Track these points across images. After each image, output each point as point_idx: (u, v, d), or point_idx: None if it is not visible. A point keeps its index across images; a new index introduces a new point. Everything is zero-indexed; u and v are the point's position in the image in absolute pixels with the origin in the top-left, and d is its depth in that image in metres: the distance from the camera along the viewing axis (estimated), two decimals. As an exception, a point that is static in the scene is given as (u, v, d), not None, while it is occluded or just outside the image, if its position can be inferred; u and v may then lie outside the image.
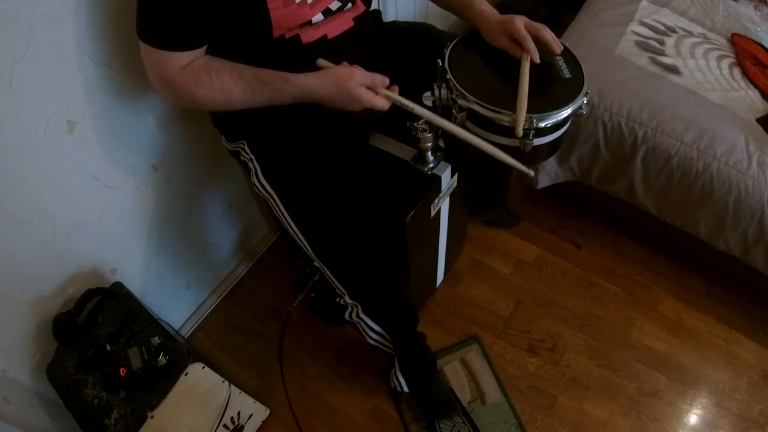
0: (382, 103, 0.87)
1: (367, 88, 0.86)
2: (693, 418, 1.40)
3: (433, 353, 1.34)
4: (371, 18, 1.05)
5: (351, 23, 0.95)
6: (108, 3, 0.91)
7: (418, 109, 0.89)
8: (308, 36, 0.89)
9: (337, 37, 0.93)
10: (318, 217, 0.99)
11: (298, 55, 0.90)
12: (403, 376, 1.32)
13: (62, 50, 0.89)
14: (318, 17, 0.87)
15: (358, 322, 1.16)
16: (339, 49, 0.93)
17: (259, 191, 1.03)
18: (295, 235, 1.03)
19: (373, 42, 1.05)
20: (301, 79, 0.85)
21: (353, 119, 1.06)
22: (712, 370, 1.48)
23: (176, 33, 0.80)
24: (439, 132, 1.04)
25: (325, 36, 0.91)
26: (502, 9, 0.99)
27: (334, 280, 1.07)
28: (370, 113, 0.89)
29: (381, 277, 1.04)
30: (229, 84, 0.83)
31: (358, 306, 1.12)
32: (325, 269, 1.06)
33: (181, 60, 0.82)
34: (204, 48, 0.85)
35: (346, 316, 1.16)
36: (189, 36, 0.81)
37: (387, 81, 0.90)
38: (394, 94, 0.89)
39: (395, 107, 0.90)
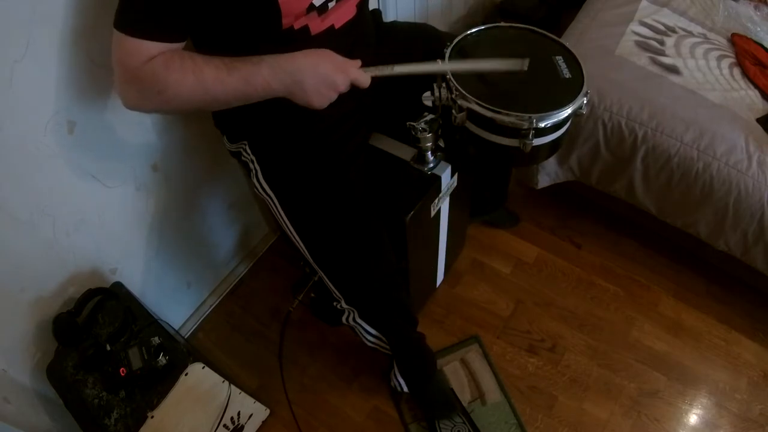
0: (361, 75, 0.86)
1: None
2: (693, 418, 1.40)
3: (432, 353, 1.34)
4: (371, 16, 1.05)
5: (354, 10, 0.94)
6: (108, 3, 0.91)
7: (397, 68, 0.89)
8: (316, 26, 0.88)
9: (342, 27, 0.92)
10: (315, 223, 0.99)
11: (307, 47, 0.87)
12: (402, 377, 1.32)
13: (62, 50, 0.89)
14: None
15: (355, 326, 1.16)
16: (343, 41, 0.92)
17: (259, 192, 1.03)
18: (293, 238, 1.03)
19: (372, 41, 1.05)
20: (281, 54, 0.81)
21: (353, 121, 1.06)
22: (712, 370, 1.48)
23: (160, 22, 0.76)
24: (438, 132, 1.04)
25: (332, 26, 0.90)
26: (502, 9, 0.98)
27: (331, 285, 1.08)
28: (355, 94, 0.87)
29: (377, 284, 1.04)
30: (200, 63, 0.78)
31: (354, 311, 1.12)
32: (322, 274, 1.06)
33: (153, 50, 0.76)
34: (182, 45, 0.80)
35: (343, 320, 1.16)
36: (172, 26, 0.77)
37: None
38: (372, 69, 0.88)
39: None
